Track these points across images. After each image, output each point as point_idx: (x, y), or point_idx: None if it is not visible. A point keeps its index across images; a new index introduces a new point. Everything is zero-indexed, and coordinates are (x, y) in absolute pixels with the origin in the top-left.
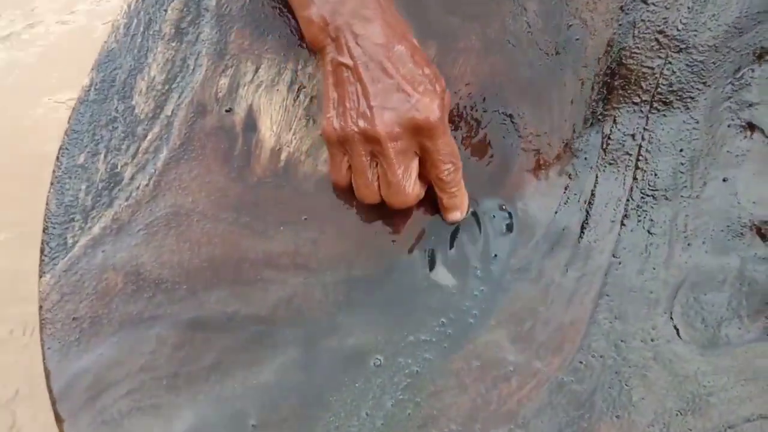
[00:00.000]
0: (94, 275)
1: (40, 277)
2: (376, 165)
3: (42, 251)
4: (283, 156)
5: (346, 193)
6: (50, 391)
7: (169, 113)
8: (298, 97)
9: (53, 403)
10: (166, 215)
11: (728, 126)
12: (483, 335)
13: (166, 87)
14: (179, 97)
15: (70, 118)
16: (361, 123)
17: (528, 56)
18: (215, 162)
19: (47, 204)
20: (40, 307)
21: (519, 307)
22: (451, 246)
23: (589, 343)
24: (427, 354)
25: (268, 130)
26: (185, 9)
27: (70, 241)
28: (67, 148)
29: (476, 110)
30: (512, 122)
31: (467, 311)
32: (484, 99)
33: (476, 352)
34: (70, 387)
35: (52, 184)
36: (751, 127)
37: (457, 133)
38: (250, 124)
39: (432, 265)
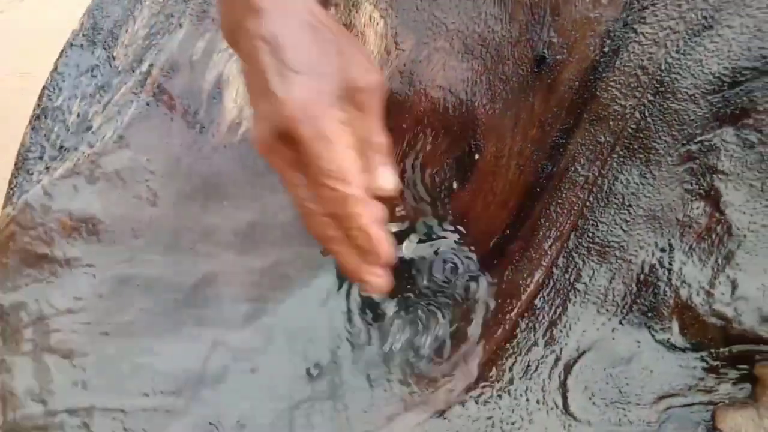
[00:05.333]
0: (49, 215)
1: (3, 207)
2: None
3: (9, 183)
4: (241, 130)
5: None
6: None
7: (144, 69)
8: None
9: None
10: (121, 170)
11: (685, 189)
12: (386, 353)
13: (146, 42)
14: (156, 54)
15: (57, 59)
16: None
17: (504, 69)
18: (177, 125)
19: (23, 139)
20: None
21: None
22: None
23: (479, 387)
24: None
25: (231, 102)
26: None
27: (35, 178)
28: (48, 89)
29: (440, 118)
30: (474, 138)
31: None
32: (452, 108)
33: (372, 370)
34: (6, 315)
35: (30, 120)
36: (708, 196)
37: (417, 138)
38: (217, 92)
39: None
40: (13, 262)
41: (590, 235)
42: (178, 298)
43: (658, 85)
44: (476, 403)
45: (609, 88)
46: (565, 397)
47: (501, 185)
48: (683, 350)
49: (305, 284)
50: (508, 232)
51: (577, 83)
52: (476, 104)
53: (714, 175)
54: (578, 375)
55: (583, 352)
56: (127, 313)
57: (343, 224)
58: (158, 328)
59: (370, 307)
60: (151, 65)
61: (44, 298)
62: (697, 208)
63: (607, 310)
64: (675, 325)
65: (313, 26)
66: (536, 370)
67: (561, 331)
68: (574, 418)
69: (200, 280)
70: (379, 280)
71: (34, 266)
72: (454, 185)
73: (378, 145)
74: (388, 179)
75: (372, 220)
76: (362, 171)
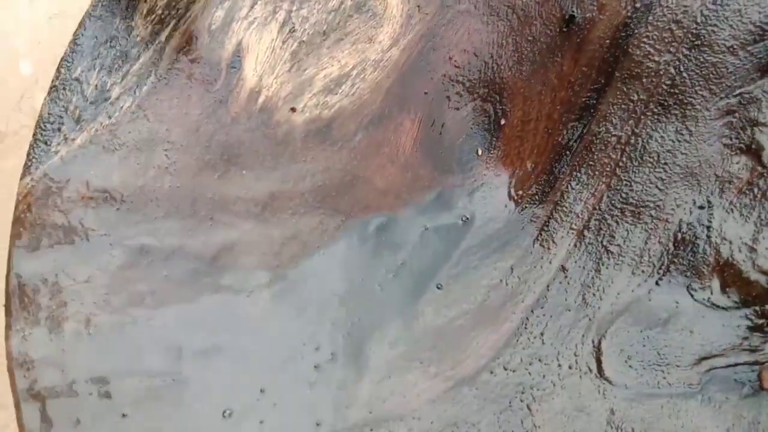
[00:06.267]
0: (67, 185)
1: (21, 178)
2: None
3: (28, 155)
4: (261, 99)
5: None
6: (7, 283)
7: (163, 39)
8: (287, 39)
9: (7, 298)
10: (140, 140)
11: (723, 144)
12: (408, 321)
13: (166, 12)
14: (176, 24)
15: (76, 30)
16: None
17: (531, 30)
18: (195, 95)
19: (41, 110)
20: (16, 207)
21: (451, 300)
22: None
23: (507, 354)
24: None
25: (251, 70)
26: None
27: (53, 149)
28: (67, 60)
29: (467, 83)
30: (500, 102)
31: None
32: (478, 72)
33: (395, 339)
34: (24, 285)
35: (48, 92)
36: (749, 150)
37: (441, 104)
38: (236, 61)
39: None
40: (31, 232)
41: (624, 195)
42: (197, 268)
43: (693, 39)
44: (505, 369)
45: (642, 44)
46: (599, 361)
47: (529, 150)
48: (725, 309)
49: (324, 253)
50: (537, 197)
51: (608, 41)
52: (502, 67)
53: (755, 128)
54: (613, 338)
55: (618, 315)
56: (144, 283)
57: None
58: (177, 297)
59: (391, 275)
60: (169, 35)
61: (61, 268)
62: (737, 163)
63: (642, 272)
64: (716, 284)
65: None
66: (568, 334)
67: (594, 295)
68: (610, 382)
69: (219, 250)
70: None
71: (51, 236)
72: (479, 151)
73: None
74: None
75: None
76: None
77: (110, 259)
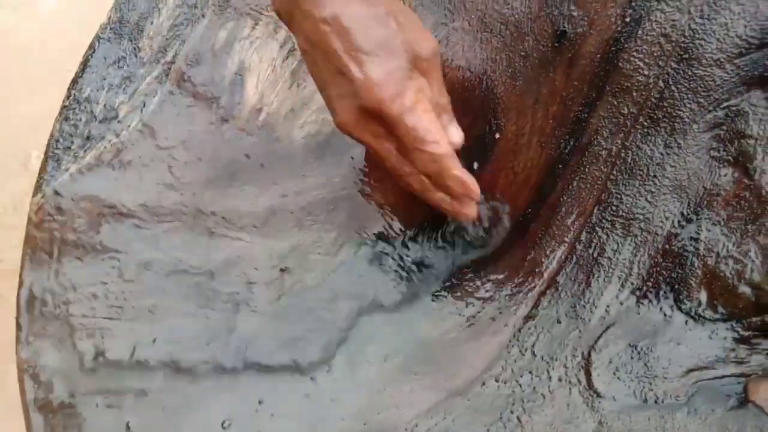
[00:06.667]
0: (76, 202)
1: (33, 195)
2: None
3: (39, 172)
4: (262, 116)
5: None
6: (18, 298)
7: (168, 59)
8: (287, 57)
9: (18, 312)
10: (146, 157)
11: (711, 157)
12: (403, 333)
13: (171, 33)
14: (180, 44)
15: (86, 53)
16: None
17: (524, 45)
18: (199, 113)
19: (53, 129)
20: (28, 221)
21: (445, 313)
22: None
23: (499, 366)
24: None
25: (253, 88)
26: None
27: (64, 166)
28: (77, 81)
29: (461, 98)
30: (495, 116)
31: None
32: (472, 87)
33: (391, 350)
34: (33, 298)
35: (60, 112)
36: (737, 162)
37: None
38: (239, 79)
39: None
40: (41, 248)
41: (614, 208)
42: (200, 282)
43: (682, 52)
44: (496, 381)
45: (631, 58)
46: (588, 373)
47: (522, 163)
48: (713, 321)
49: (327, 265)
50: (529, 210)
51: (598, 56)
52: (496, 82)
53: (742, 140)
54: (602, 350)
55: (608, 327)
56: (151, 296)
57: (438, 178)
58: (182, 310)
59: (388, 288)
60: (175, 55)
61: (70, 282)
62: (725, 175)
63: (632, 284)
64: (704, 296)
65: (368, 3)
66: (559, 346)
67: (584, 307)
68: (598, 394)
69: (222, 263)
70: (473, 211)
71: (61, 252)
72: (474, 165)
73: (444, 105)
74: (457, 135)
75: (461, 169)
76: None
77: (117, 273)
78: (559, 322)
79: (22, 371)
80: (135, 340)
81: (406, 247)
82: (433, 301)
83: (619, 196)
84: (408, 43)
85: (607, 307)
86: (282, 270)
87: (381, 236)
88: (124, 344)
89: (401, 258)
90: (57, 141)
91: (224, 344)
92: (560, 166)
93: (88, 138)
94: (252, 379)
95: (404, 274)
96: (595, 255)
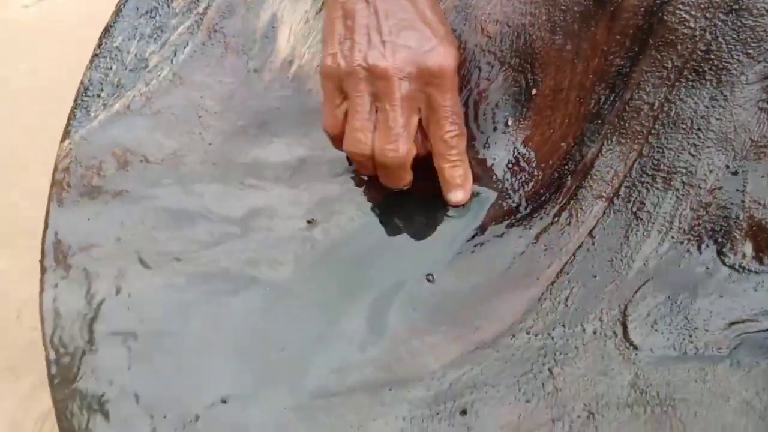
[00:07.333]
0: (104, 149)
1: (61, 141)
2: (376, 111)
3: (68, 119)
4: (293, 68)
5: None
6: (43, 242)
7: (201, 10)
8: (320, 10)
9: (42, 254)
10: (175, 106)
11: (759, 109)
12: (431, 285)
13: None
14: None
15: (118, 2)
16: (371, 58)
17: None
18: (230, 64)
19: (83, 77)
20: (55, 168)
21: (475, 266)
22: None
23: (530, 319)
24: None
25: (285, 40)
26: None
27: (92, 114)
28: (109, 30)
29: (499, 53)
30: (532, 72)
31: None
32: (510, 42)
33: (418, 302)
34: (58, 242)
35: (91, 59)
36: None
37: (472, 74)
38: (271, 31)
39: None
40: (68, 193)
41: (655, 162)
42: (226, 230)
43: (731, 3)
44: (527, 334)
45: (677, 11)
46: (624, 326)
47: (560, 119)
48: (758, 273)
49: (352, 218)
50: (567, 165)
51: (642, 9)
52: (534, 37)
53: None
54: (640, 303)
55: (646, 281)
56: (175, 244)
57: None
58: (205, 258)
59: (416, 239)
60: (207, 6)
61: (95, 226)
62: None
63: (672, 237)
64: (748, 249)
65: None
66: (594, 300)
67: (621, 261)
68: (635, 347)
69: (248, 213)
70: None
71: (87, 197)
72: (509, 122)
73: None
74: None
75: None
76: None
77: (142, 220)
78: (594, 276)
79: (43, 313)
80: (157, 287)
81: (436, 199)
82: (463, 254)
83: (660, 150)
84: (420, 55)
85: (646, 260)
86: (309, 221)
87: (409, 190)
88: (147, 290)
89: (432, 209)
90: (87, 89)
91: (250, 292)
92: (599, 121)
93: (117, 86)
94: (276, 325)
95: (434, 225)
96: (634, 209)
